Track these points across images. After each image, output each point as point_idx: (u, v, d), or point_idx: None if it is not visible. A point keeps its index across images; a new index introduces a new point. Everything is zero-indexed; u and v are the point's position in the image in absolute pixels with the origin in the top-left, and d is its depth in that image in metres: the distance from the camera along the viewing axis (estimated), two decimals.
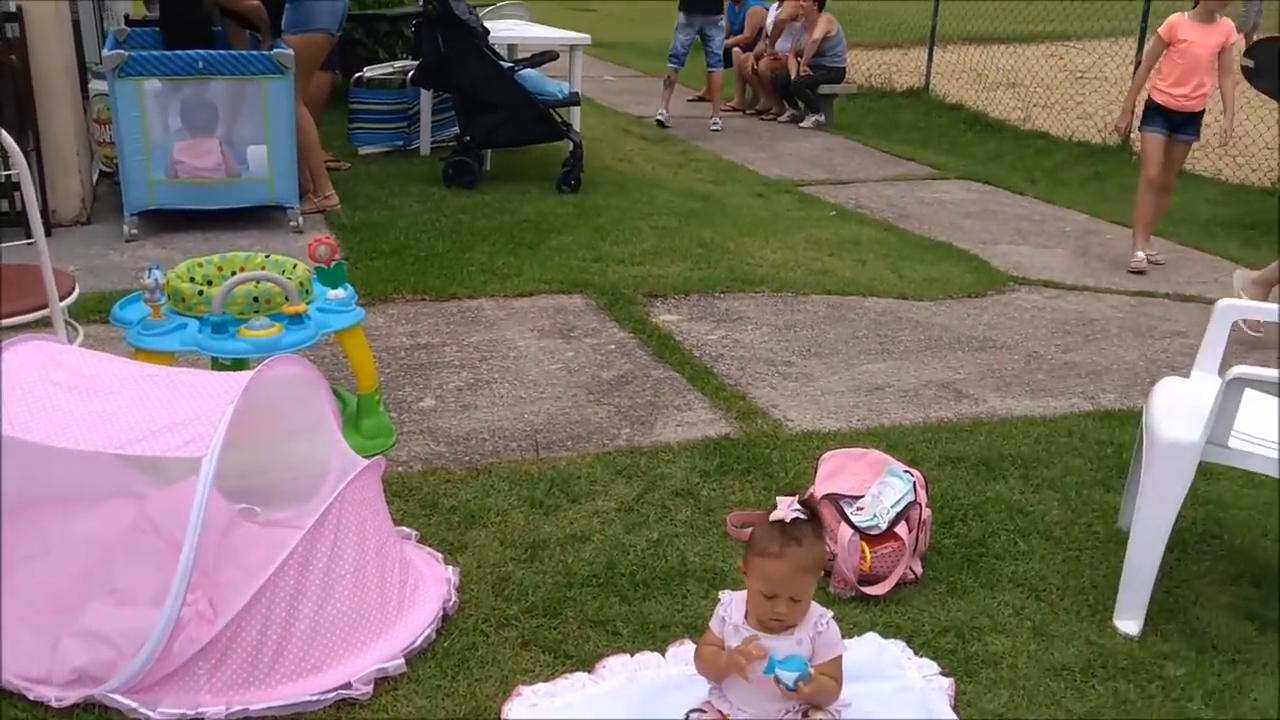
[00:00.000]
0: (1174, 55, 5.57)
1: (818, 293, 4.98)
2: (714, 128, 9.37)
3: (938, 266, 5.52)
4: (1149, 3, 9.03)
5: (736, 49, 10.63)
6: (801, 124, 9.93)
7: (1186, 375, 2.97)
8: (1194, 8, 5.60)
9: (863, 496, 2.76)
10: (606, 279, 4.95)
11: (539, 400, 3.71)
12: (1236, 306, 3.03)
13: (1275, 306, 4.33)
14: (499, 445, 3.36)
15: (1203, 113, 5.71)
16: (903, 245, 5.91)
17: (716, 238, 5.74)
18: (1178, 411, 2.62)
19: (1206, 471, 2.85)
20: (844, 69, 10.11)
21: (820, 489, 2.79)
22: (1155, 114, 5.70)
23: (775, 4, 10.47)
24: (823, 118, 9.92)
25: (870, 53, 13.15)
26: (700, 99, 10.48)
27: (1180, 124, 5.67)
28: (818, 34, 9.72)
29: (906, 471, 2.82)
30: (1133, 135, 6.19)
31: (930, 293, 5.09)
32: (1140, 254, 5.74)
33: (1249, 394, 2.48)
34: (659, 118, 9.47)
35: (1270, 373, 2.37)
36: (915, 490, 2.77)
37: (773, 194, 7.07)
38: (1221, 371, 2.55)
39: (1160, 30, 5.65)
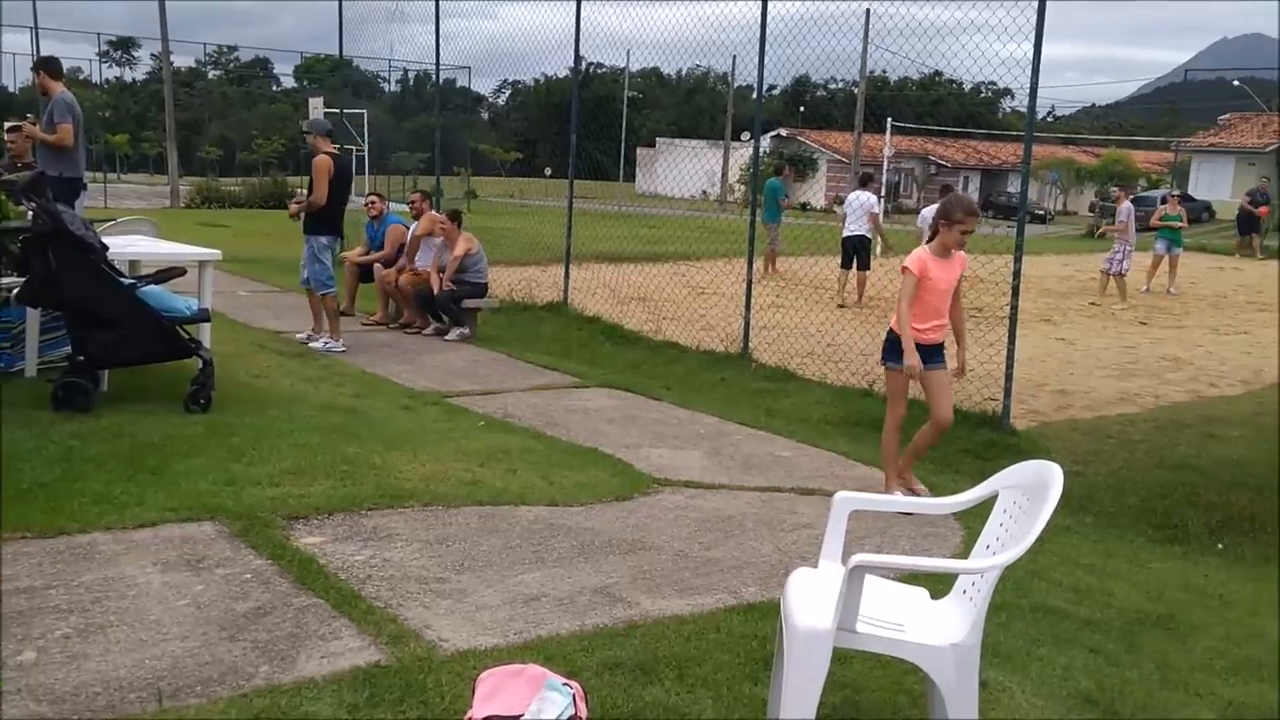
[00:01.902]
0: (922, 292, 5.48)
1: (469, 504, 4.92)
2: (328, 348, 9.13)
3: (586, 472, 5.65)
4: (753, 229, 10.15)
5: (378, 265, 10.73)
6: (446, 337, 10.07)
7: (815, 565, 3.17)
8: (929, 241, 5.56)
9: (522, 715, 2.66)
10: (241, 503, 4.62)
11: (163, 642, 3.33)
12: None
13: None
14: (114, 699, 2.96)
15: (943, 343, 5.68)
16: (552, 453, 6.02)
17: (362, 453, 5.57)
18: (810, 601, 2.78)
19: (840, 656, 3.01)
20: (486, 284, 10.47)
21: (479, 712, 2.67)
22: (901, 349, 5.52)
23: (414, 222, 10.80)
24: (467, 330, 10.14)
25: (511, 269, 13.75)
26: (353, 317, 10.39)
27: (927, 356, 5.55)
28: (459, 251, 10.06)
29: (565, 684, 2.77)
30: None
31: (580, 498, 5.18)
32: (920, 487, 5.73)
33: (870, 579, 2.68)
34: (340, 349, 9.00)
35: (886, 559, 2.58)
36: (575, 703, 2.71)
37: (420, 406, 7.03)
38: (844, 559, 2.74)
39: (911, 266, 5.47)
